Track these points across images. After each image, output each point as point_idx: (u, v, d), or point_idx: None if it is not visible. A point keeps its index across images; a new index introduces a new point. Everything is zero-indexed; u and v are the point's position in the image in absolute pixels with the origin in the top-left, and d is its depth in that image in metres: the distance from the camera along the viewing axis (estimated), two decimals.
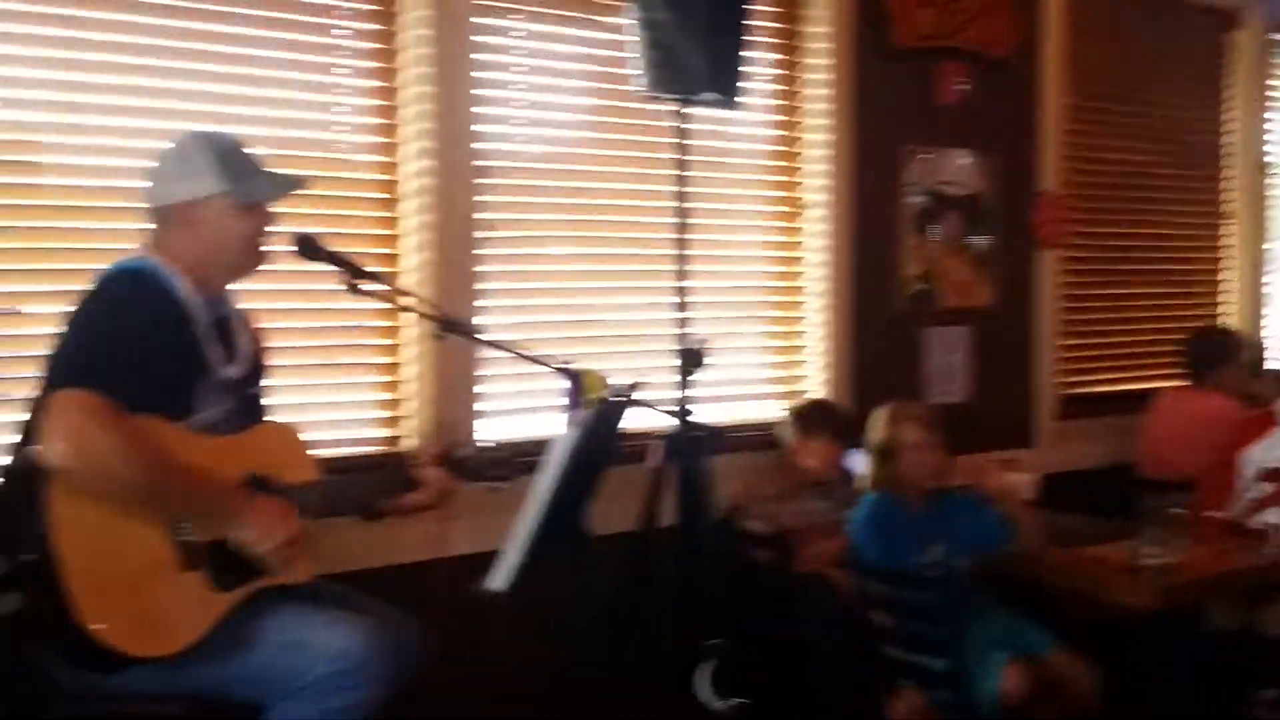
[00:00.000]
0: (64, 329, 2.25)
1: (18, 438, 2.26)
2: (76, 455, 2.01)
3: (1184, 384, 4.63)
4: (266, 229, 2.45)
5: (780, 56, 4.13)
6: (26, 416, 2.26)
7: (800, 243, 4.20)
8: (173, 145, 2.42)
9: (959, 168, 4.53)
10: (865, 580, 3.35)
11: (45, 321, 2.85)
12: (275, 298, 3.16)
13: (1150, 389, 4.85)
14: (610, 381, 2.72)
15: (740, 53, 3.19)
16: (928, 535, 3.40)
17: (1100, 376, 5.09)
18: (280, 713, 2.24)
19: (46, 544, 2.02)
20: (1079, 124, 4.92)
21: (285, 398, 3.09)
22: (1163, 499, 3.65)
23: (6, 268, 2.89)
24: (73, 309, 2.27)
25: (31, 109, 2.88)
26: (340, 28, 3.28)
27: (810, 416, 3.83)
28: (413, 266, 3.38)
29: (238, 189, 2.36)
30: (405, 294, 2.92)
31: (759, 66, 4.00)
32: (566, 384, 2.77)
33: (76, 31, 2.90)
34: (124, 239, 2.79)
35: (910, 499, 3.45)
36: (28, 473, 2.06)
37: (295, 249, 2.54)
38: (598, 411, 2.45)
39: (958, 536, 3.41)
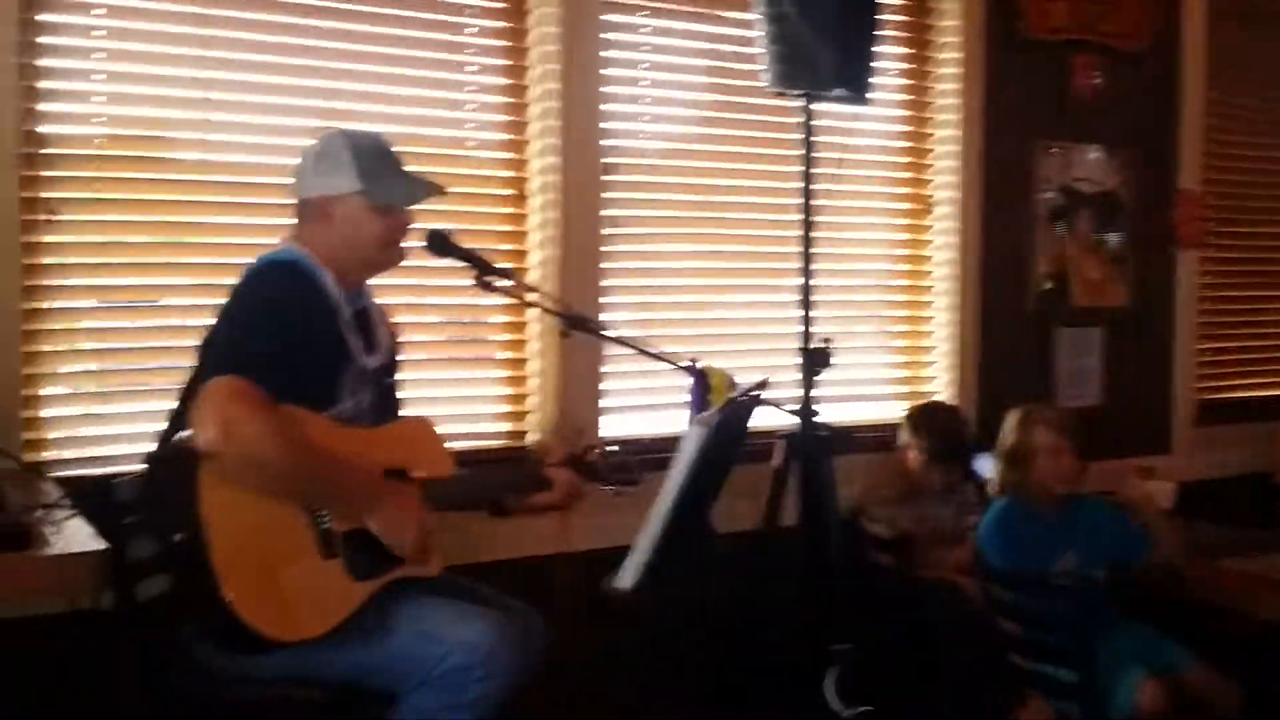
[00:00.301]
0: (217, 317, 2.31)
1: (168, 424, 2.34)
2: (226, 440, 2.07)
3: None
4: (402, 230, 2.48)
5: (909, 50, 4.06)
6: (176, 403, 2.34)
7: (928, 240, 4.12)
8: (318, 141, 2.48)
9: (1093, 164, 4.40)
10: (993, 587, 3.27)
11: (184, 314, 2.97)
12: (405, 292, 3.22)
13: None
14: (736, 380, 2.71)
15: (870, 47, 3.13)
16: (1060, 543, 3.31)
17: (1241, 381, 4.89)
18: (412, 701, 2.27)
19: (196, 526, 2.08)
20: (1219, 119, 4.73)
21: (413, 391, 3.15)
22: None
23: (147, 261, 3.00)
24: (226, 298, 2.34)
25: (170, 107, 2.97)
26: (471, 25, 3.32)
27: (917, 419, 3.74)
28: (538, 263, 3.40)
29: (373, 189, 2.41)
30: (532, 290, 2.94)
31: (887, 60, 3.94)
32: (691, 382, 2.77)
33: (213, 30, 2.98)
34: (260, 234, 2.88)
35: (1042, 505, 3.36)
36: (179, 457, 2.12)
37: (426, 245, 2.58)
38: (725, 411, 2.43)
39: (1091, 545, 3.31)
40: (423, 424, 2.60)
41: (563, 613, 3.00)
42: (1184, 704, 3.12)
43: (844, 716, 2.19)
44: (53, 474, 2.64)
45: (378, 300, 2.62)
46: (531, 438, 3.42)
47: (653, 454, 2.67)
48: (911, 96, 4.08)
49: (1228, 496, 4.21)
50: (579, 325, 2.73)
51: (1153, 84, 4.53)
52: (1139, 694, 3.06)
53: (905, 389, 4.12)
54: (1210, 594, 3.27)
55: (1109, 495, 3.46)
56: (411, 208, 2.50)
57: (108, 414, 2.90)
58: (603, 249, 3.48)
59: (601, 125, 3.46)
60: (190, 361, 2.36)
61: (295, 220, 2.48)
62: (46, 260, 2.82)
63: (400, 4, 3.21)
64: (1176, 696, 3.11)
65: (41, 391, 2.83)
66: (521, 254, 3.41)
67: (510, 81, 3.38)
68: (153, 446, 2.36)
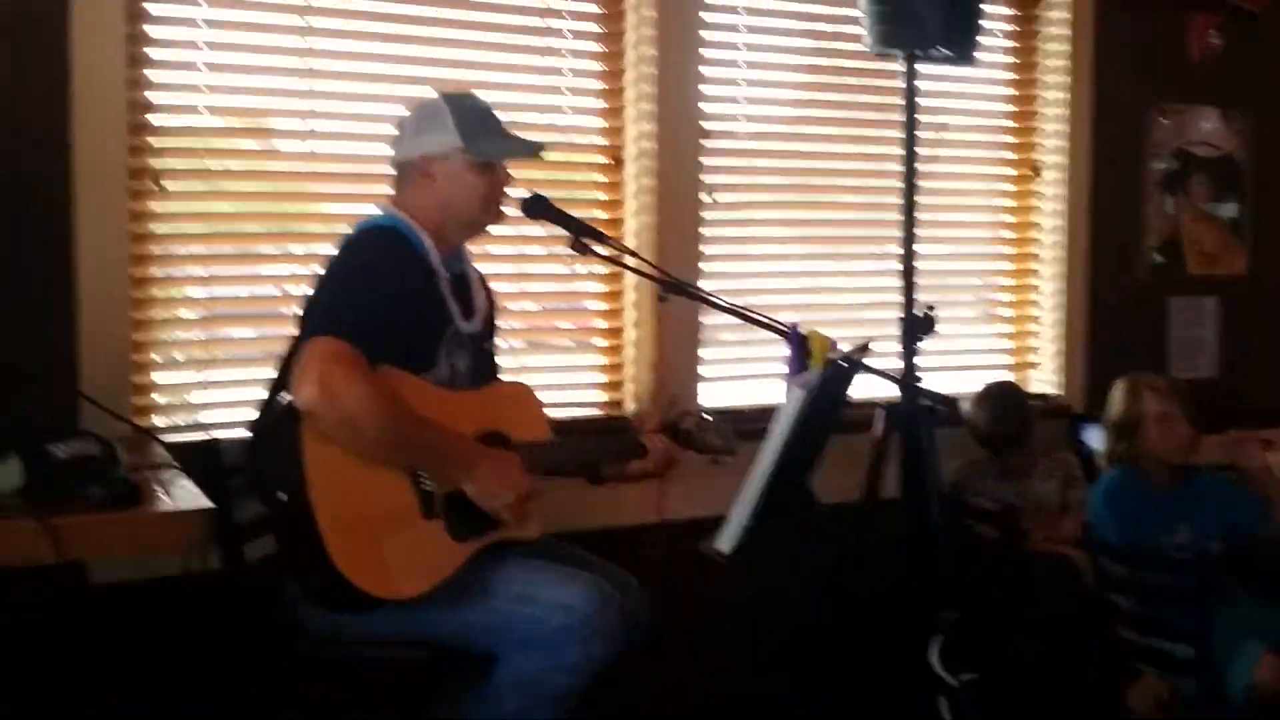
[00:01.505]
0: (317, 280, 2.33)
1: (270, 389, 2.36)
2: (326, 401, 2.08)
3: None
4: (502, 188, 2.48)
5: (1016, 10, 3.94)
6: (278, 369, 2.37)
7: (1035, 207, 4.01)
8: (418, 104, 2.48)
9: (1210, 128, 4.24)
10: (1105, 560, 3.18)
11: (288, 282, 3.02)
12: (503, 261, 3.22)
13: None
14: (838, 345, 2.66)
15: (976, 5, 3.03)
16: (1174, 515, 3.20)
17: None
18: (512, 663, 2.27)
19: (300, 485, 2.10)
20: None
21: (510, 358, 3.16)
22: None
23: (252, 231, 3.04)
24: (327, 262, 2.35)
25: (273, 77, 3.01)
26: None
27: (974, 401, 3.59)
28: (635, 231, 3.38)
29: (474, 146, 2.41)
30: (630, 253, 2.92)
31: (993, 20, 3.83)
32: (791, 348, 2.72)
33: (309, 19, 3.01)
34: (361, 202, 2.90)
35: (1155, 476, 3.25)
36: (282, 418, 2.15)
37: (522, 208, 2.57)
38: (826, 374, 2.38)
39: (1207, 517, 3.20)
40: (521, 388, 2.60)
41: (660, 581, 3.00)
42: None
43: (950, 684, 2.13)
44: (162, 439, 2.70)
45: (476, 266, 2.63)
46: (629, 407, 3.40)
47: (750, 424, 2.63)
48: (1018, 59, 3.96)
49: None
50: (676, 289, 2.70)
51: (1272, 45, 4.33)
52: (1257, 670, 2.95)
53: (1011, 360, 4.01)
54: None
55: (1226, 468, 3.34)
56: (510, 169, 2.50)
57: (215, 380, 2.95)
58: (701, 215, 3.45)
59: (699, 88, 3.42)
60: (292, 329, 2.39)
61: (393, 185, 2.50)
62: (154, 228, 2.88)
63: None
64: None
65: (150, 358, 2.89)
66: (618, 222, 3.39)
67: (606, 49, 3.36)
68: (257, 412, 2.40)
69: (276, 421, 2.18)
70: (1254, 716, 2.98)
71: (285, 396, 2.16)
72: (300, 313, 2.35)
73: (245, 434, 2.41)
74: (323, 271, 2.35)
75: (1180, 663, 3.02)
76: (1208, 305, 4.25)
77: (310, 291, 2.34)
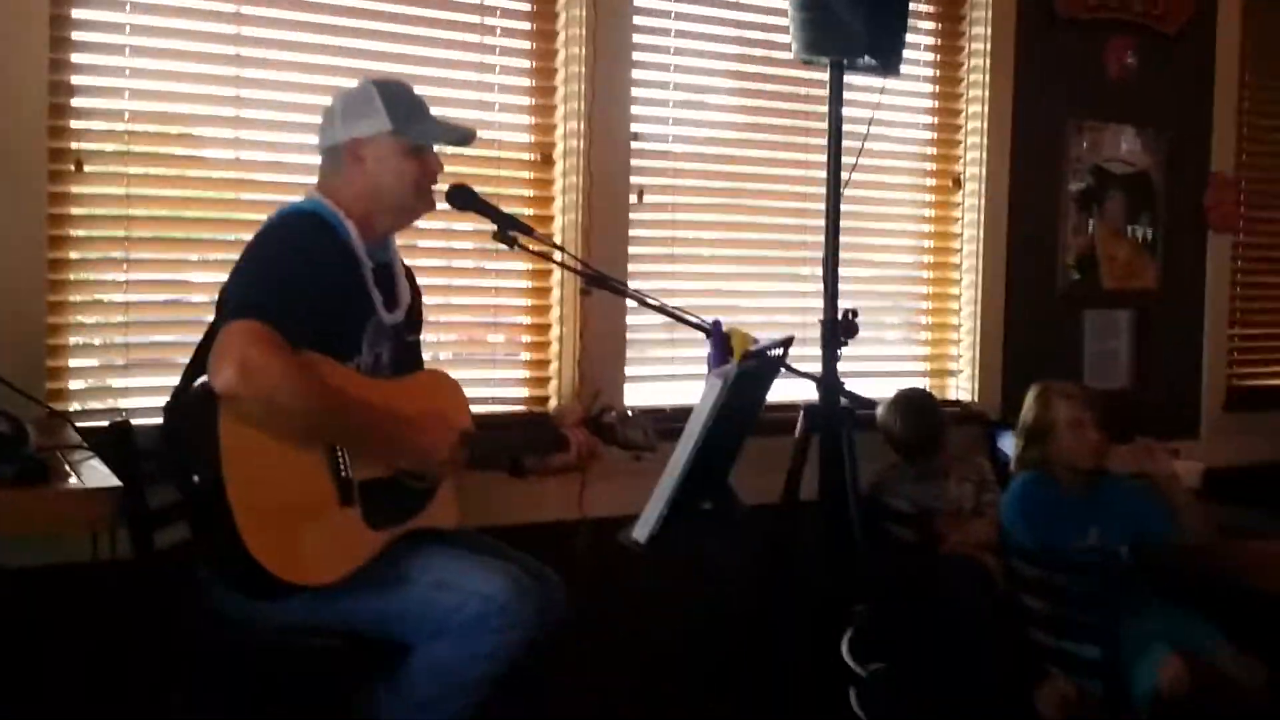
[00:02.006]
0: (236, 264, 2.31)
1: (186, 373, 2.33)
2: (244, 381, 2.06)
3: None
4: (433, 174, 2.48)
5: (940, 24, 4.03)
6: (194, 353, 2.34)
7: (956, 218, 4.09)
8: (348, 89, 2.47)
9: (1126, 145, 4.36)
10: (1016, 562, 3.25)
11: (207, 268, 2.98)
12: (428, 255, 3.22)
13: None
14: (759, 341, 2.69)
15: (901, 16, 3.10)
16: (1084, 519, 3.28)
17: (1274, 369, 4.83)
18: (427, 651, 2.26)
19: (214, 468, 2.08)
20: (1256, 103, 4.68)
21: (435, 352, 3.16)
22: None
23: (172, 215, 3.00)
24: (245, 248, 2.33)
25: (196, 82, 2.96)
26: None
27: (885, 407, 3.65)
28: (562, 228, 3.39)
29: (405, 130, 2.40)
30: (555, 247, 2.93)
31: (918, 34, 3.91)
32: (713, 345, 2.75)
33: (240, 6, 2.98)
34: (286, 192, 2.88)
35: (1065, 481, 3.33)
36: (198, 400, 2.12)
37: (447, 198, 2.57)
38: (745, 366, 2.41)
39: (1116, 522, 3.28)
40: (443, 377, 2.60)
41: (581, 576, 3.00)
42: (1208, 683, 3.08)
43: (858, 674, 2.16)
44: (75, 423, 2.65)
45: (402, 258, 2.62)
46: (553, 402, 3.41)
47: (674, 422, 2.64)
48: (941, 71, 4.05)
49: (1256, 482, 4.16)
50: (599, 282, 2.72)
51: (1187, 66, 4.48)
52: (1162, 672, 3.03)
53: (929, 366, 4.09)
54: (1237, 573, 3.21)
55: (1136, 476, 3.42)
56: (440, 159, 2.49)
57: (131, 364, 2.91)
58: (629, 215, 3.47)
59: (629, 90, 3.45)
60: (210, 314, 2.36)
61: (320, 172, 2.48)
62: (73, 211, 2.83)
63: None
64: (1201, 675, 3.07)
65: (67, 341, 2.84)
66: (546, 220, 3.40)
67: (537, 46, 3.37)
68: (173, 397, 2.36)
69: (192, 405, 2.16)
70: (1158, 718, 3.05)
71: (202, 380, 2.14)
72: (219, 296, 2.33)
73: (161, 419, 2.38)
74: (242, 255, 2.32)
75: (1088, 664, 3.07)
76: (1120, 318, 4.36)
77: (229, 276, 2.32)
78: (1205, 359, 4.58)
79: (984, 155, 4.04)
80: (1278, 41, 4.73)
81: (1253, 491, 3.90)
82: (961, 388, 4.10)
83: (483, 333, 3.41)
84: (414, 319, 2.62)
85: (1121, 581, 3.23)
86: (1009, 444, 3.65)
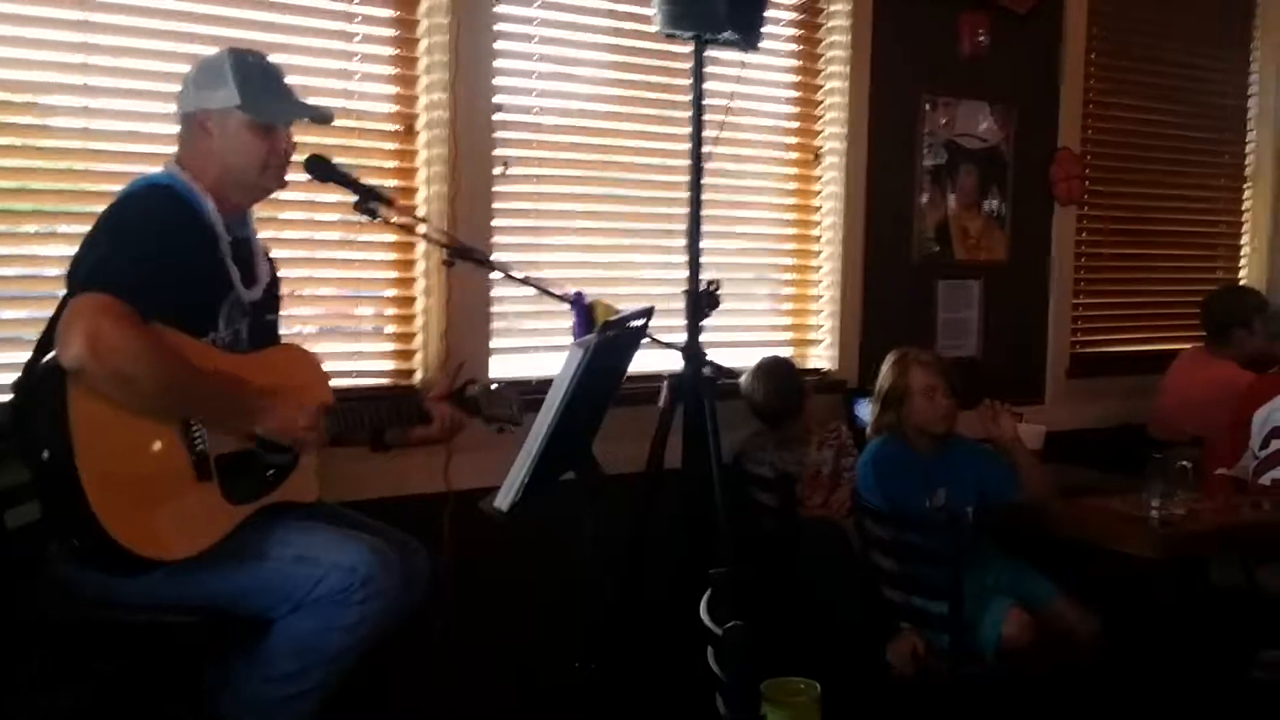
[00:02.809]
0: (86, 237, 2.26)
1: (35, 349, 2.28)
2: (94, 356, 2.03)
3: (1200, 345, 4.62)
4: (281, 153, 2.45)
5: (800, 0, 4.10)
6: (44, 330, 2.29)
7: (816, 191, 4.19)
8: (204, 58, 2.43)
9: (978, 121, 4.51)
10: (869, 523, 3.37)
11: (59, 264, 2.88)
12: (289, 226, 3.18)
13: (1165, 350, 4.84)
14: (621, 311, 2.74)
15: None
16: (933, 480, 3.43)
17: (1114, 336, 5.07)
18: (287, 625, 2.27)
19: (64, 443, 2.04)
20: (1100, 81, 4.89)
21: (296, 326, 3.12)
22: (1171, 454, 3.65)
23: (17, 186, 2.90)
24: (97, 220, 2.28)
25: (44, 49, 2.86)
26: None
27: (748, 375, 3.76)
28: (425, 199, 3.38)
29: (253, 106, 2.37)
30: (418, 219, 2.93)
31: (779, 9, 3.98)
32: (576, 316, 2.79)
33: None
34: (140, 163, 2.81)
35: (918, 444, 3.46)
36: (46, 376, 2.08)
37: (306, 168, 2.55)
38: (605, 335, 2.45)
39: (963, 482, 3.43)
40: (300, 351, 2.59)
41: (447, 548, 3.02)
42: (1046, 634, 3.26)
43: (715, 632, 2.24)
44: None
45: (264, 233, 2.59)
46: (419, 376, 3.41)
47: (539, 394, 2.67)
48: (801, 46, 4.13)
49: (1097, 445, 4.38)
50: (463, 254, 2.73)
51: (1036, 44, 4.65)
52: (1005, 624, 3.19)
53: (791, 335, 4.19)
54: (1074, 531, 3.39)
55: (983, 440, 3.58)
56: (296, 137, 2.47)
57: None
58: (493, 188, 3.47)
59: (493, 63, 3.45)
60: (61, 289, 2.31)
61: (179, 139, 2.44)
62: None
63: None
64: (1039, 626, 3.25)
65: None
66: (410, 191, 3.38)
67: (399, 14, 3.34)
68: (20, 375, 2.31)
69: (40, 380, 2.12)
70: (1002, 667, 3.22)
71: (51, 355, 2.09)
72: (68, 272, 2.28)
73: (8, 398, 2.32)
74: (93, 228, 2.28)
75: (936, 619, 3.21)
76: (972, 288, 4.54)
77: (79, 249, 2.27)
78: (1050, 327, 4.78)
79: (843, 130, 4.14)
80: (1122, 23, 4.94)
81: (1092, 453, 4.11)
82: (821, 356, 4.21)
83: (348, 306, 3.39)
84: (272, 297, 2.59)
85: (967, 540, 3.38)
86: (865, 410, 3.77)
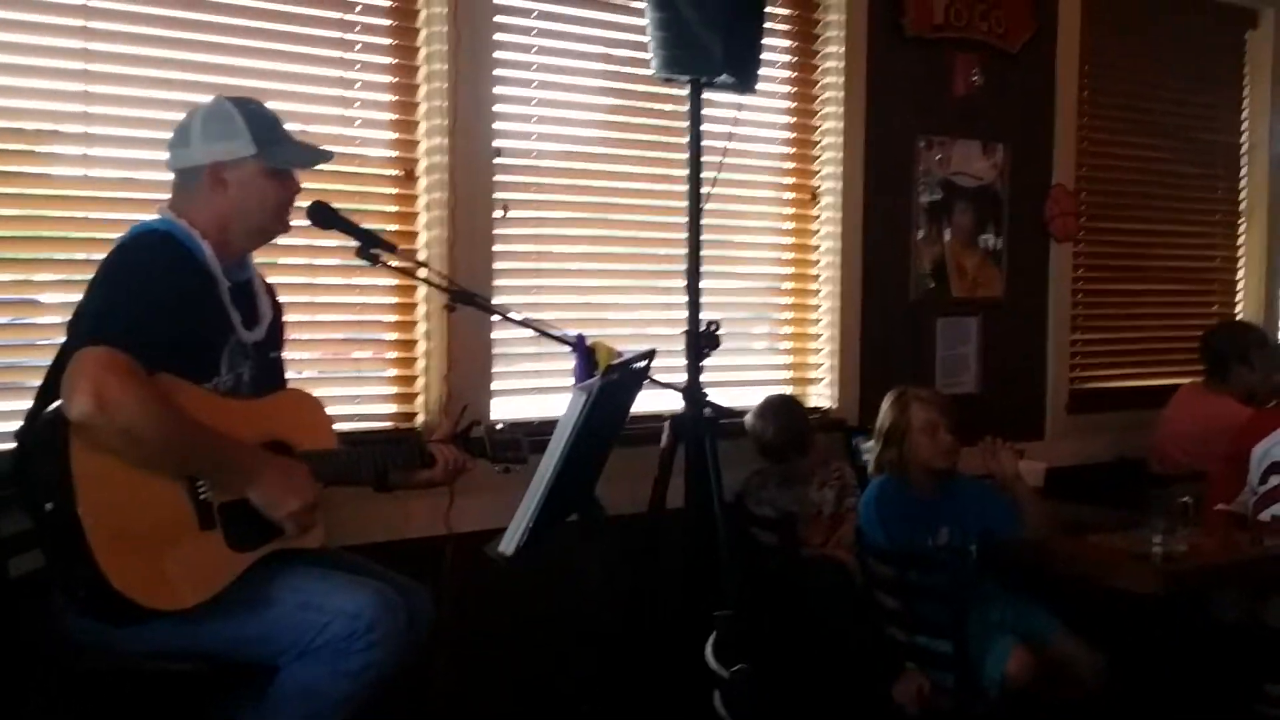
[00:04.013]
0: (88, 286, 2.27)
1: (37, 399, 2.29)
2: (101, 411, 2.04)
3: (1199, 380, 4.64)
4: (293, 196, 2.48)
5: (795, 43, 4.15)
6: (45, 379, 2.29)
7: (814, 230, 4.21)
8: (204, 108, 2.45)
9: (972, 159, 4.55)
10: (873, 562, 3.37)
11: (60, 311, 2.89)
12: (291, 271, 3.20)
13: (1163, 385, 4.84)
14: (623, 354, 2.75)
15: (757, 35, 3.19)
16: (936, 518, 3.43)
17: (1112, 371, 5.09)
18: (293, 672, 2.26)
19: (67, 494, 2.05)
20: (1094, 118, 4.93)
21: (299, 370, 3.13)
22: (1172, 490, 3.66)
23: (20, 257, 2.92)
24: (97, 269, 2.29)
25: (45, 98, 2.89)
26: (362, 4, 3.30)
27: (753, 414, 3.76)
28: (426, 244, 3.40)
29: (269, 153, 2.40)
30: (419, 264, 2.94)
31: (774, 52, 4.02)
32: (578, 358, 2.80)
33: (87, 21, 2.91)
34: (139, 209, 2.82)
35: (919, 482, 3.47)
36: (49, 426, 2.09)
37: (308, 216, 2.57)
38: (608, 378, 2.46)
39: (965, 520, 3.43)
40: (304, 396, 2.59)
41: (449, 592, 3.02)
42: (1050, 670, 3.25)
43: (722, 675, 2.24)
44: None
45: (261, 275, 2.60)
46: (420, 419, 3.41)
47: (541, 435, 2.68)
48: (797, 89, 4.17)
49: (1097, 481, 4.38)
50: (464, 299, 2.75)
51: (1030, 83, 4.69)
52: (1009, 662, 3.18)
53: (790, 374, 4.20)
54: (1077, 567, 3.39)
55: (984, 477, 3.58)
56: (300, 177, 2.49)
57: None
58: (493, 232, 3.50)
59: (492, 107, 3.48)
60: (61, 338, 2.32)
61: (173, 190, 2.45)
62: None
63: None
64: (1044, 664, 3.24)
65: None
66: (410, 235, 3.40)
67: (399, 61, 3.38)
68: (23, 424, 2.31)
69: (43, 430, 2.12)
70: (1006, 705, 3.21)
71: (55, 406, 2.10)
72: (70, 322, 2.29)
73: (10, 445, 2.33)
74: (93, 278, 2.29)
75: (941, 657, 3.21)
76: (970, 325, 4.55)
77: (81, 299, 2.28)
78: (1049, 363, 4.80)
79: (839, 169, 4.17)
80: (1114, 59, 5.00)
81: (1093, 489, 4.11)
82: (822, 394, 4.22)
83: (348, 349, 3.40)
84: (275, 335, 2.60)
85: (970, 577, 3.39)
86: (867, 449, 3.77)
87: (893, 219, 4.33)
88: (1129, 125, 5.07)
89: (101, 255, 2.41)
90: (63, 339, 2.32)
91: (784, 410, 3.76)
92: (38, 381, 2.35)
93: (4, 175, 2.85)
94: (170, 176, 2.47)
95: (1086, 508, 3.81)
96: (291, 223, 2.52)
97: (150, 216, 2.46)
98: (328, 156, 2.54)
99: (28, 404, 2.34)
